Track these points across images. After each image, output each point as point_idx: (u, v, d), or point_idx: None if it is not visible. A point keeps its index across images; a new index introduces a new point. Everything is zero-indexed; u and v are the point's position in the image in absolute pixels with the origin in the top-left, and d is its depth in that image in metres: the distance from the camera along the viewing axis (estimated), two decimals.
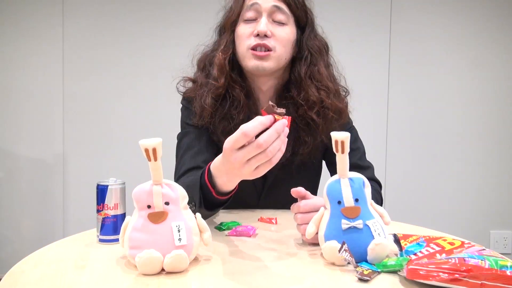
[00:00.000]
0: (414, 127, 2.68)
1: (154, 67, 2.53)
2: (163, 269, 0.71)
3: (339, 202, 0.77)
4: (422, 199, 2.68)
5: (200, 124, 1.14)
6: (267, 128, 0.71)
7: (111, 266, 0.75)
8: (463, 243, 0.77)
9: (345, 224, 0.76)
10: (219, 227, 1.00)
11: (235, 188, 0.87)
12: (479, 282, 0.61)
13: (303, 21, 1.14)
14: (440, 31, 2.66)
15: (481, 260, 0.64)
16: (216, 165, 0.84)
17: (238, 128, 0.71)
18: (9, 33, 2.50)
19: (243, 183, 0.84)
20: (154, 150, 0.70)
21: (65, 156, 2.56)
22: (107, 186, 0.87)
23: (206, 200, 0.89)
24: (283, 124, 0.72)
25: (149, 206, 0.73)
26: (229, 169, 0.77)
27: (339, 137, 0.75)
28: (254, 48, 1.07)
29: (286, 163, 1.12)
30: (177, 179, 1.09)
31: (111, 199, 0.87)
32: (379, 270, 0.72)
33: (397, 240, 0.81)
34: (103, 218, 0.87)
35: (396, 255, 0.79)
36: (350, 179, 0.78)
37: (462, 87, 2.69)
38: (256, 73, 1.11)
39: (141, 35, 2.55)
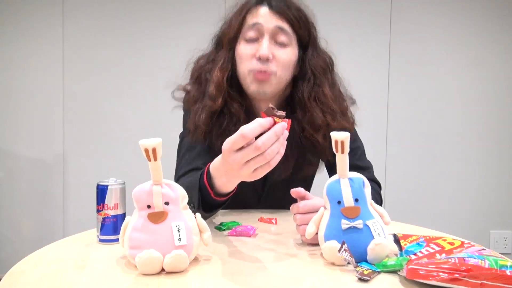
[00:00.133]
0: (414, 127, 2.68)
1: (154, 67, 2.53)
2: (163, 269, 0.71)
3: (339, 202, 0.77)
4: (422, 199, 2.68)
5: (193, 141, 1.11)
6: (266, 130, 0.71)
7: (111, 266, 0.75)
8: (463, 243, 0.77)
9: (345, 224, 0.76)
10: (219, 227, 1.00)
11: (234, 189, 0.87)
12: (479, 282, 0.61)
13: (306, 40, 1.10)
14: (440, 31, 2.66)
15: (481, 260, 0.64)
16: (216, 165, 0.84)
17: None
18: (9, 33, 2.50)
19: (243, 187, 0.84)
20: (154, 150, 0.70)
21: (65, 156, 2.56)
22: (107, 186, 0.87)
23: (205, 202, 0.89)
24: (282, 127, 0.71)
25: (149, 206, 0.73)
26: (228, 170, 0.77)
27: (339, 137, 0.75)
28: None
29: (287, 178, 1.11)
30: (177, 179, 1.09)
31: (111, 199, 0.87)
32: (379, 270, 0.72)
33: (397, 240, 0.81)
34: (103, 218, 0.87)
35: (396, 255, 0.79)
36: (350, 179, 0.78)
37: (462, 87, 2.69)
38: (257, 97, 1.10)
39: (141, 35, 2.55)
